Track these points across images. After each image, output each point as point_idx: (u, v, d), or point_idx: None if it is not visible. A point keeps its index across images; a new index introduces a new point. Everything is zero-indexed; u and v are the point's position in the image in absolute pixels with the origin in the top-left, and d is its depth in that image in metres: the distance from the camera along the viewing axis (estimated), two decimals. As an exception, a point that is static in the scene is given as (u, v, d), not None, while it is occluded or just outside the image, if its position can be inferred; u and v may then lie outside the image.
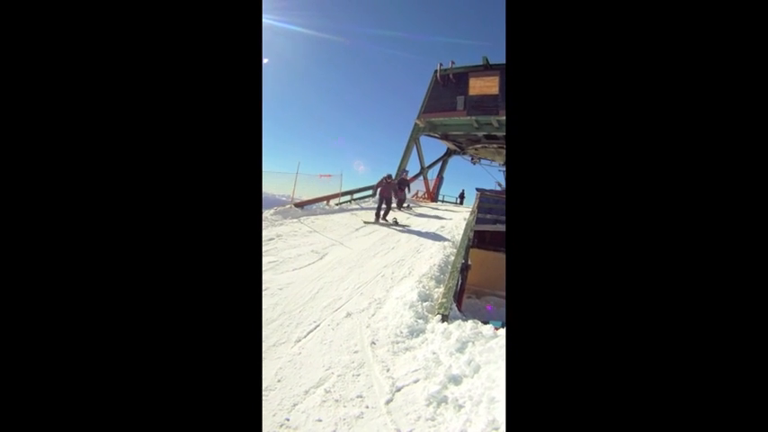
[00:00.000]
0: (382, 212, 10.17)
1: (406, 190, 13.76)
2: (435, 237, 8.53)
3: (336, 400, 2.69)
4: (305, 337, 3.64)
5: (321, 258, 6.40)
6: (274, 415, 2.47)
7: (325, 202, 11.03)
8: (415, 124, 17.76)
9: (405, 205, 12.75)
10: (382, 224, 10.16)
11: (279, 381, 2.88)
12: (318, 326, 3.89)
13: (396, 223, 9.99)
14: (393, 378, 3.01)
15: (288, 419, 2.45)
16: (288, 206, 9.95)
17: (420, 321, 3.96)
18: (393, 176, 10.75)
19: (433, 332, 3.72)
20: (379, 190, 10.48)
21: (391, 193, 10.43)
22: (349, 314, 4.21)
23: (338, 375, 3.01)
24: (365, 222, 9.70)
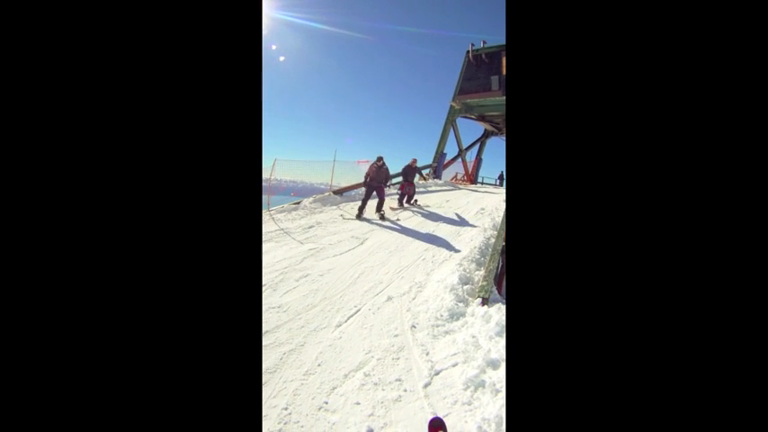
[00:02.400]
0: (368, 205, 8.63)
1: (419, 178, 11.89)
2: (475, 219, 8.37)
3: (375, 384, 2.72)
4: (345, 321, 3.70)
5: (361, 243, 6.45)
6: (313, 398, 2.54)
7: (363, 188, 11.04)
8: (451, 106, 17.39)
9: (412, 201, 10.11)
10: (375, 221, 8.32)
11: (319, 365, 2.95)
12: (359, 310, 3.94)
13: (382, 218, 8.32)
14: (432, 362, 3.01)
15: (326, 403, 2.50)
16: (326, 194, 10.05)
17: (460, 305, 3.93)
18: (384, 161, 8.91)
19: (473, 315, 3.68)
20: (368, 178, 8.75)
21: (382, 181, 8.77)
22: (390, 298, 4.24)
23: (378, 359, 3.04)
24: (344, 219, 8.19)
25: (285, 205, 9.10)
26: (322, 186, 11.22)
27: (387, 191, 9.20)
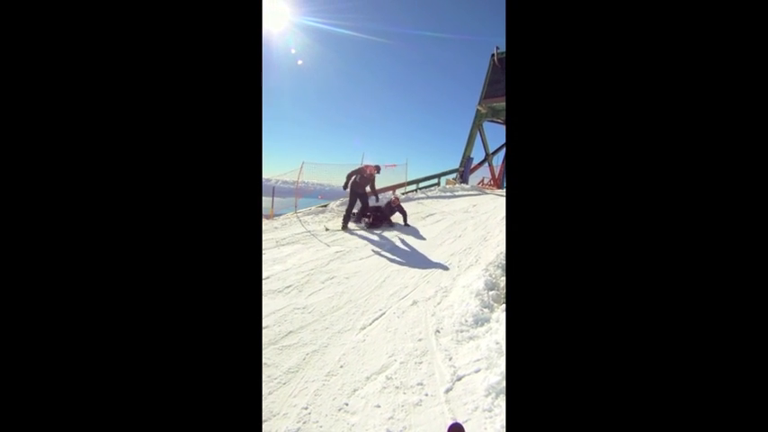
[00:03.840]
0: (354, 215, 8.10)
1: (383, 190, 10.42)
2: (502, 224, 8.23)
3: (397, 387, 2.71)
4: (370, 324, 3.70)
5: (387, 248, 6.46)
6: (334, 399, 2.55)
7: (390, 191, 11.02)
8: (477, 110, 17.26)
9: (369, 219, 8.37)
10: (387, 229, 7.93)
11: (341, 366, 2.96)
12: (384, 314, 3.93)
13: (369, 225, 7.96)
14: (455, 367, 2.97)
15: (347, 404, 2.51)
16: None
17: (485, 310, 3.87)
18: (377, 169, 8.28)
19: (497, 321, 3.62)
20: (351, 181, 7.93)
21: (366, 188, 8.07)
22: (415, 302, 4.22)
23: (401, 363, 3.03)
24: (327, 229, 7.48)
25: (312, 208, 9.23)
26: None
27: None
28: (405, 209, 8.68)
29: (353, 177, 7.94)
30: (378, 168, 8.22)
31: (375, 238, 6.99)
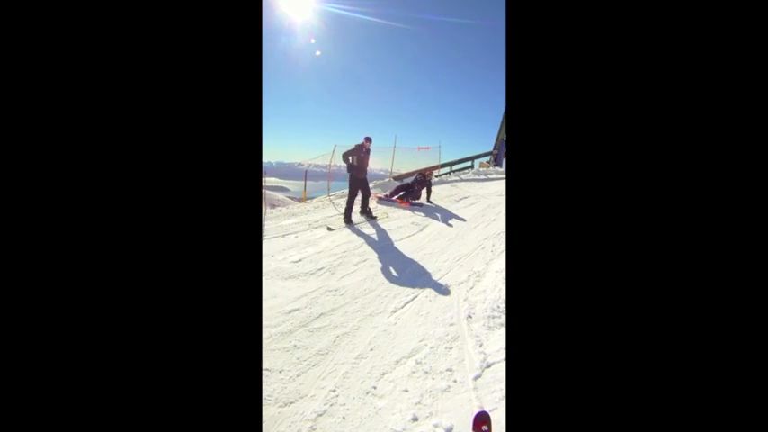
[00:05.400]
0: (356, 206, 6.92)
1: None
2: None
3: (426, 372, 2.70)
4: (402, 307, 3.70)
5: (421, 230, 6.42)
6: (362, 382, 2.57)
7: (430, 172, 10.86)
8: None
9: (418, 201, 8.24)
10: (417, 211, 7.44)
11: (371, 349, 2.98)
12: (416, 297, 3.92)
13: (370, 216, 6.94)
14: (485, 354, 2.93)
15: (375, 387, 2.52)
16: (387, 179, 10.08)
17: (519, 296, 3.79)
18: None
19: (531, 308, 3.54)
20: (352, 160, 6.76)
21: (366, 169, 6.97)
22: (447, 286, 4.18)
23: (431, 347, 3.02)
24: (329, 229, 6.33)
25: (345, 191, 9.26)
26: (381, 172, 11.26)
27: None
28: (432, 188, 8.58)
29: (351, 159, 6.76)
30: (369, 140, 6.94)
31: (407, 221, 6.95)
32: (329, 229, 6.33)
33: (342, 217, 6.77)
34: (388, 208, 7.93)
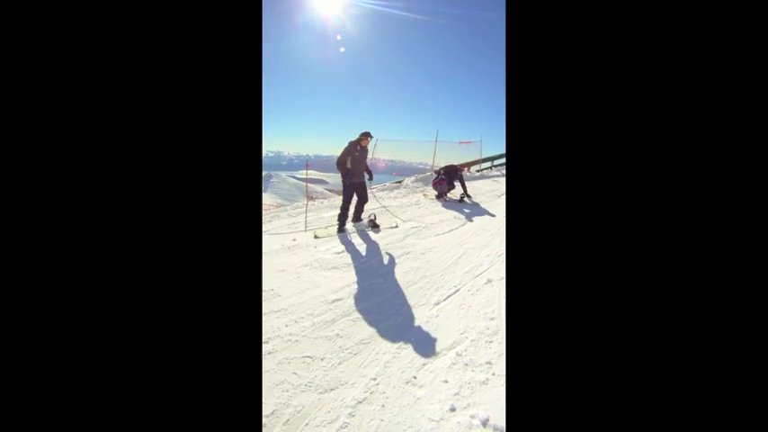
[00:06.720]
0: (351, 212, 6.18)
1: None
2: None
3: (465, 364, 2.70)
4: (443, 300, 3.71)
5: (464, 224, 6.37)
6: (402, 372, 2.60)
7: (465, 168, 10.70)
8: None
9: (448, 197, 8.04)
10: (467, 205, 7.25)
11: (413, 340, 3.00)
12: (458, 290, 3.91)
13: (374, 226, 6.18)
14: (526, 348, 2.89)
15: (415, 377, 2.55)
16: (428, 173, 10.03)
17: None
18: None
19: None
20: (347, 162, 5.84)
21: (364, 173, 6.11)
22: (489, 281, 4.13)
23: (471, 340, 3.01)
24: (316, 237, 5.76)
25: (387, 184, 9.30)
26: (421, 166, 11.21)
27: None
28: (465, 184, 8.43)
29: (349, 159, 5.85)
30: (368, 135, 5.99)
31: (449, 215, 6.91)
32: (316, 236, 5.72)
33: (384, 212, 6.79)
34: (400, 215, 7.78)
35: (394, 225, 6.31)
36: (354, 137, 5.90)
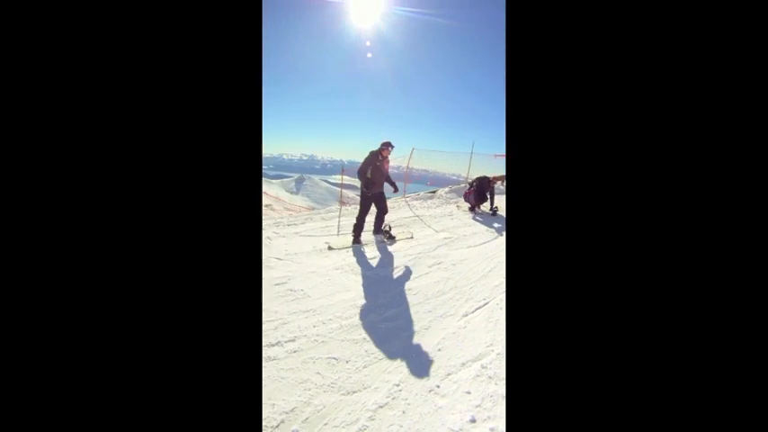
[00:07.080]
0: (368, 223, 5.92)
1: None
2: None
3: (490, 377, 2.68)
4: (472, 312, 3.68)
5: (496, 238, 6.29)
6: (426, 380, 2.61)
7: (500, 182, 10.50)
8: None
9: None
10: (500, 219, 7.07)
11: (439, 350, 3.01)
12: (487, 303, 3.88)
13: (390, 238, 5.91)
14: (554, 365, 2.84)
15: (438, 386, 2.56)
16: (462, 185, 9.97)
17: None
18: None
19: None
20: (368, 172, 5.63)
21: (383, 182, 5.88)
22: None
23: (497, 353, 2.98)
24: (330, 248, 5.46)
25: (421, 193, 9.30)
26: (454, 177, 11.13)
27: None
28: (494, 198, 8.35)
29: (369, 169, 5.64)
30: (389, 145, 5.81)
31: (482, 227, 6.84)
32: (330, 247, 5.48)
33: (410, 222, 6.79)
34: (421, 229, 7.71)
35: (409, 236, 6.19)
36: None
